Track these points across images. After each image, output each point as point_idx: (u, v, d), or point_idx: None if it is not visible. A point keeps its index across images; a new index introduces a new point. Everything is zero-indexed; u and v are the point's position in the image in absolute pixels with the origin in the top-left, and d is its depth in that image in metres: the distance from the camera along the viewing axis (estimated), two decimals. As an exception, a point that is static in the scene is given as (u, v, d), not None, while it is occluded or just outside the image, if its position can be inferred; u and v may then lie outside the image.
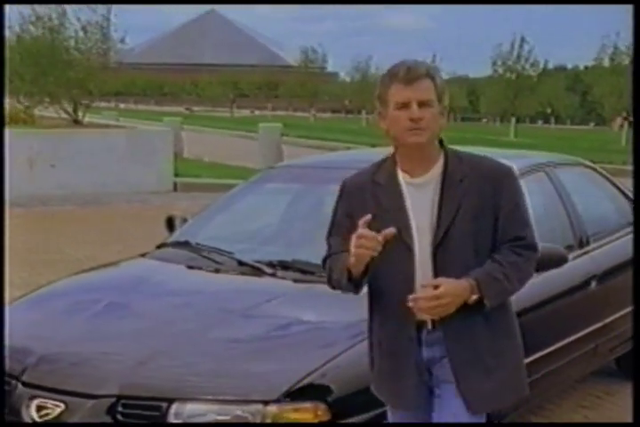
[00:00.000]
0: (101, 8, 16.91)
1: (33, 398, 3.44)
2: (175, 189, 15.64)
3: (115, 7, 17.53)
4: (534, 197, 4.80)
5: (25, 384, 3.49)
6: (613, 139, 34.38)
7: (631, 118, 40.14)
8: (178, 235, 4.91)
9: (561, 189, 4.94)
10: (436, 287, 2.77)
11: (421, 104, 2.82)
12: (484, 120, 69.56)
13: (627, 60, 36.74)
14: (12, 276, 8.58)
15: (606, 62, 38.46)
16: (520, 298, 4.10)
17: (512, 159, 5.13)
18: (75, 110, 16.85)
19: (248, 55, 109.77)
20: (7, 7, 15.08)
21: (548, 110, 64.48)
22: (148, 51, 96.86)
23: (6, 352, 3.71)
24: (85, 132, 15.83)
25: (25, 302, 4.32)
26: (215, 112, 65.78)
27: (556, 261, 4.13)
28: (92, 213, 13.31)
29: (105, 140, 15.31)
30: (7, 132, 13.15)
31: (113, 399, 3.34)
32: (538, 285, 4.25)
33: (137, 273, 4.57)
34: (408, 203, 2.90)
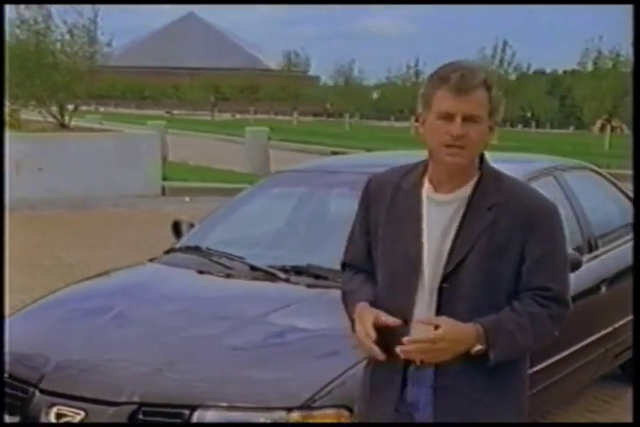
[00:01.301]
0: (88, 11, 16.83)
1: (52, 405, 3.40)
2: (163, 192, 15.59)
3: (101, 10, 17.46)
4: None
5: (43, 392, 3.45)
6: (595, 142, 34.55)
7: (614, 122, 40.52)
8: (186, 240, 4.88)
9: (569, 192, 4.95)
10: (436, 327, 2.42)
11: (467, 118, 2.45)
12: (465, 124, 69.55)
13: (609, 64, 37.01)
14: (5, 280, 8.54)
15: (590, 66, 38.66)
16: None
17: (520, 163, 5.18)
18: (61, 114, 16.74)
19: (228, 58, 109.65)
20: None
21: (528, 114, 64.75)
22: (128, 54, 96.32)
23: (21, 360, 3.68)
24: (72, 136, 15.75)
25: (35, 309, 4.27)
26: (196, 115, 65.62)
27: (571, 265, 4.11)
28: (81, 216, 13.25)
29: (92, 144, 15.24)
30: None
31: (134, 406, 3.31)
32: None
33: (147, 279, 4.53)
34: (424, 218, 2.57)
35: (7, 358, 3.69)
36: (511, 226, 2.47)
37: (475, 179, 2.55)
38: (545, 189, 4.70)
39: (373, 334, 2.50)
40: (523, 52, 76.29)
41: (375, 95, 68.54)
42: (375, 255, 2.68)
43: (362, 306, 2.59)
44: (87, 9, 16.86)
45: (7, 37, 17.60)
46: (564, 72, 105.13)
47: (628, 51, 32.06)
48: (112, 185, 14.73)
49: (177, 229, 5.11)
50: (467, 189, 2.54)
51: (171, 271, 4.54)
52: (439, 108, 2.48)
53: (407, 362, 2.54)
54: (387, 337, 2.52)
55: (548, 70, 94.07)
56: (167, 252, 4.85)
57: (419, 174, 2.63)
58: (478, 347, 2.44)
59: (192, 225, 5.10)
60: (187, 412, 3.26)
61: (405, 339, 2.45)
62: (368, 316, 2.53)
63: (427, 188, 2.59)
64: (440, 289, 2.50)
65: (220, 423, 3.26)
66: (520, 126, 66.24)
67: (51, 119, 16.90)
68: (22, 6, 16.67)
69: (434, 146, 2.51)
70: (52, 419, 3.38)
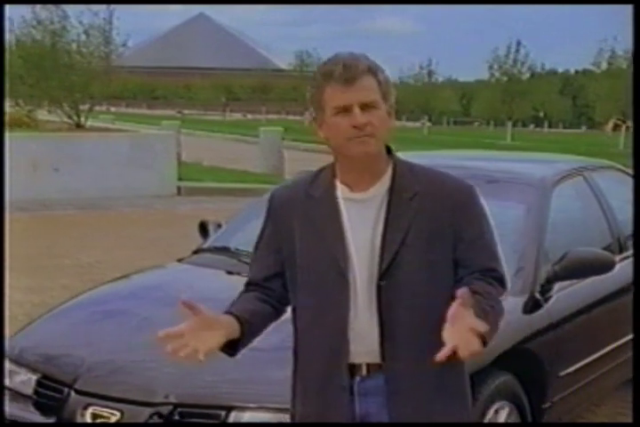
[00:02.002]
0: (103, 11, 16.87)
1: (88, 406, 3.39)
2: (179, 192, 15.60)
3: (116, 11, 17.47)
4: (573, 201, 4.81)
5: (78, 392, 3.45)
6: (610, 142, 34.45)
7: (628, 122, 40.41)
8: (214, 240, 4.86)
9: (598, 192, 4.92)
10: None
11: (365, 107, 2.34)
12: (476, 124, 69.68)
13: (624, 64, 36.92)
14: (26, 281, 8.55)
15: (604, 66, 38.62)
16: (563, 305, 4.13)
17: (549, 163, 5.15)
18: (77, 114, 16.77)
19: (238, 59, 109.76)
20: (9, 10, 15.06)
21: (541, 114, 64.66)
22: (138, 54, 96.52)
23: (54, 360, 3.68)
24: (88, 136, 15.78)
25: (64, 310, 4.26)
26: (207, 116, 65.71)
27: (604, 266, 4.10)
28: (97, 217, 13.25)
29: (108, 144, 15.27)
30: (9, 136, 13.08)
31: (170, 407, 3.30)
32: (582, 291, 4.25)
33: (176, 279, 4.51)
34: (345, 221, 2.42)
35: (39, 359, 3.70)
36: (437, 212, 2.39)
37: (389, 172, 2.45)
38: (575, 189, 4.74)
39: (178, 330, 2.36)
40: (534, 52, 76.16)
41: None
42: (291, 274, 2.50)
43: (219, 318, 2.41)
44: (103, 9, 16.89)
45: (22, 38, 17.69)
46: (576, 72, 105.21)
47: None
48: (127, 185, 14.74)
49: (203, 229, 5.10)
50: (384, 183, 2.44)
51: (199, 272, 4.53)
52: (333, 103, 2.36)
53: (352, 374, 2.41)
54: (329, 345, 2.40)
55: (560, 70, 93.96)
56: (195, 252, 4.84)
57: (328, 179, 2.48)
58: (486, 326, 2.17)
59: (219, 225, 5.09)
60: (223, 413, 3.26)
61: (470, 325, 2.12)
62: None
63: (341, 190, 2.46)
64: (379, 290, 2.37)
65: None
66: (532, 126, 66.15)
67: (66, 119, 16.93)
68: (38, 6, 16.69)
69: (340, 143, 2.38)
70: (88, 419, 3.38)
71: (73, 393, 3.46)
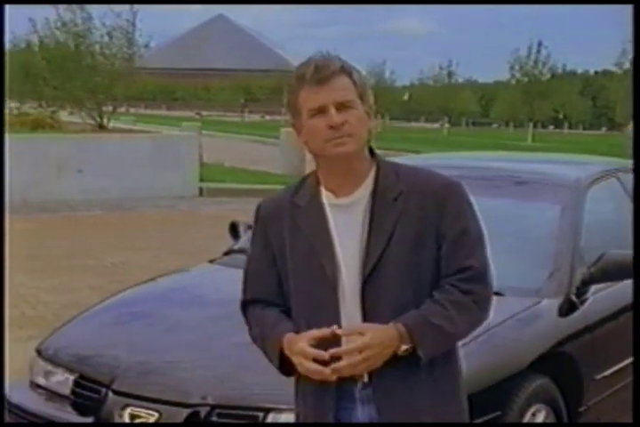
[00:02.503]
0: (126, 13, 16.94)
1: (126, 406, 3.40)
2: (201, 193, 15.63)
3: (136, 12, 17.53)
4: (607, 203, 4.78)
5: (116, 393, 3.46)
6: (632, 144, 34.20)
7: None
8: (245, 241, 4.86)
9: (631, 194, 4.89)
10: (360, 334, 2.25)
11: (340, 107, 2.29)
12: (495, 125, 69.54)
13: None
14: (51, 281, 8.59)
15: (627, 66, 38.50)
16: (599, 308, 4.10)
17: (583, 164, 5.13)
18: (100, 115, 16.85)
19: (257, 60, 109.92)
20: (32, 12, 15.17)
21: (560, 115, 64.47)
22: (157, 56, 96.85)
23: (90, 361, 3.69)
24: (111, 138, 15.84)
25: (99, 310, 4.26)
26: (225, 117, 65.84)
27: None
28: (121, 218, 13.29)
29: (131, 145, 15.32)
30: (33, 137, 13.16)
31: (208, 409, 3.30)
32: (618, 293, 4.22)
33: (210, 280, 4.52)
34: (332, 228, 2.37)
35: (76, 359, 3.71)
36: (422, 211, 2.33)
37: (372, 173, 2.39)
38: (609, 190, 4.72)
39: (311, 353, 2.28)
40: (555, 53, 75.92)
41: (405, 96, 68.45)
42: (287, 287, 2.45)
43: (288, 337, 2.36)
44: (125, 11, 16.96)
45: (46, 39, 17.76)
46: (596, 73, 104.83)
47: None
48: (150, 186, 14.78)
49: (234, 230, 5.11)
50: (367, 186, 2.38)
51: (231, 273, 4.52)
52: (308, 106, 2.31)
53: (354, 381, 2.35)
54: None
55: (580, 71, 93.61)
56: (226, 253, 4.84)
57: (312, 186, 2.43)
58: (404, 347, 2.27)
59: (250, 226, 5.09)
60: (261, 414, 3.26)
61: (331, 351, 2.26)
62: (297, 341, 2.32)
63: (326, 196, 2.40)
64: (363, 292, 2.32)
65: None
66: (551, 127, 65.94)
67: (89, 121, 17.00)
68: (62, 8, 16.77)
69: (318, 145, 2.32)
70: (126, 419, 3.39)
71: (111, 394, 3.47)
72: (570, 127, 65.63)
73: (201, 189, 15.76)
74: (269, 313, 2.45)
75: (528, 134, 38.02)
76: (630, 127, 49.49)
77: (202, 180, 16.00)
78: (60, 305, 7.65)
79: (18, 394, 3.84)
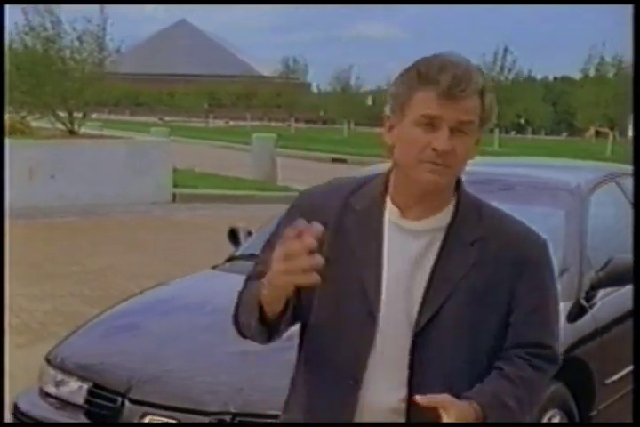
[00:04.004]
0: (97, 18, 16.81)
1: (144, 415, 3.37)
2: (174, 199, 15.56)
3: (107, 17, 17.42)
4: (608, 208, 4.82)
5: (133, 401, 3.42)
6: (595, 149, 34.65)
7: (605, 128, 40.70)
8: (248, 247, 4.84)
9: (631, 199, 4.94)
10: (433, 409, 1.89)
11: (456, 128, 1.94)
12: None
13: (611, 71, 37.21)
14: (32, 289, 8.48)
15: (592, 73, 38.94)
16: (608, 311, 4.13)
17: (582, 169, 5.17)
18: (70, 121, 16.71)
19: (221, 65, 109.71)
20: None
21: (522, 121, 64.94)
22: (121, 61, 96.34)
23: (104, 370, 3.65)
24: (84, 143, 15.70)
25: (108, 318, 4.22)
26: (190, 122, 65.59)
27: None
28: (95, 224, 13.19)
29: (104, 151, 15.20)
30: (6, 142, 13.00)
31: (228, 417, 3.28)
32: (626, 297, 4.26)
33: (215, 287, 4.49)
34: (385, 250, 2.02)
35: (89, 368, 3.67)
36: (498, 266, 2.00)
37: (451, 205, 2.04)
38: (610, 195, 4.76)
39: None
40: (521, 59, 76.65)
41: (369, 101, 68.55)
42: (307, 289, 1.96)
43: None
44: (96, 15, 16.85)
45: (14, 44, 17.58)
46: (555, 78, 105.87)
47: (630, 57, 32.28)
48: (124, 192, 14.68)
49: (234, 236, 5.07)
50: (443, 218, 2.03)
51: (235, 279, 4.50)
52: (421, 110, 1.94)
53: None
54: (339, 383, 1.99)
55: (539, 77, 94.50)
56: (229, 259, 4.81)
57: (377, 193, 2.07)
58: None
59: (250, 233, 5.07)
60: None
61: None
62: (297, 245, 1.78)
63: (390, 210, 2.04)
64: (413, 344, 1.97)
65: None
66: (513, 133, 66.39)
67: (59, 126, 16.86)
68: (31, 13, 16.62)
69: (407, 160, 1.98)
70: (146, 429, 3.35)
71: (127, 402, 3.43)
72: (533, 133, 66.26)
73: (174, 195, 15.69)
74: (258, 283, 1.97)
75: (494, 140, 38.24)
76: (591, 133, 50.07)
77: (174, 185, 15.93)
78: (45, 313, 7.57)
79: (27, 402, 3.79)
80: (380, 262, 2.00)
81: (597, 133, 48.79)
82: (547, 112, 75.24)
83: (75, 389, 3.62)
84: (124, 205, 14.39)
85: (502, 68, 47.09)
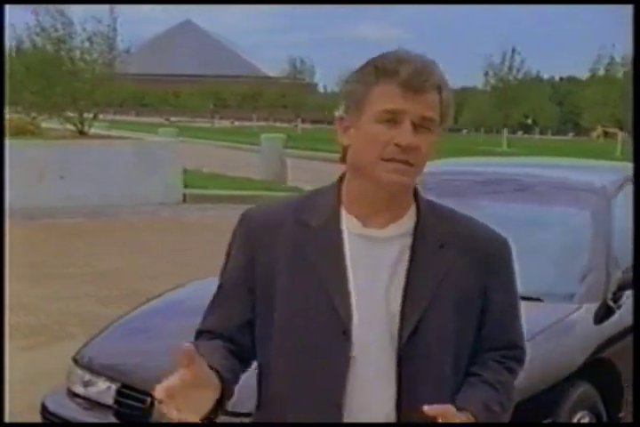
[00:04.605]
0: (107, 18, 16.84)
1: (175, 416, 3.35)
2: (184, 200, 15.56)
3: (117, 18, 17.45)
4: (631, 209, 4.80)
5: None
6: (604, 149, 34.59)
7: (610, 128, 40.68)
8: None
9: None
10: (434, 418, 1.77)
11: (420, 124, 1.81)
12: (464, 131, 69.89)
13: (621, 71, 37.17)
14: (47, 289, 8.49)
15: (601, 72, 38.95)
16: (632, 312, 4.12)
17: (603, 170, 5.15)
18: (81, 121, 16.73)
19: (225, 65, 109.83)
20: (11, 16, 15.00)
21: (529, 121, 64.95)
22: (127, 61, 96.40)
23: (132, 370, 3.64)
24: (93, 144, 15.72)
25: (134, 318, 4.20)
26: (195, 123, 65.68)
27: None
28: (104, 225, 13.20)
29: (113, 152, 15.21)
30: (14, 143, 13.02)
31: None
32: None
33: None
34: (349, 263, 1.87)
35: (117, 368, 3.66)
36: (470, 268, 1.90)
37: (412, 209, 1.93)
38: (631, 196, 4.74)
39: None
40: (529, 59, 76.66)
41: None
42: (264, 322, 1.92)
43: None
44: (106, 16, 16.88)
45: (22, 46, 17.62)
46: (561, 79, 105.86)
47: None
48: (133, 193, 14.69)
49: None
50: (408, 222, 1.91)
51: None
52: (383, 105, 1.81)
53: None
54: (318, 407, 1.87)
55: (546, 77, 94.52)
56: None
57: (330, 205, 1.92)
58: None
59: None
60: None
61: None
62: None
63: (349, 222, 1.90)
64: (399, 360, 1.85)
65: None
66: (519, 133, 66.39)
67: (69, 127, 16.89)
68: (42, 13, 16.65)
69: (368, 160, 1.82)
70: (176, 430, 3.34)
71: (157, 403, 3.42)
72: (540, 133, 66.27)
73: (184, 196, 15.69)
74: (213, 346, 1.93)
75: (502, 140, 38.27)
76: (597, 133, 50.04)
77: (185, 186, 15.94)
78: (60, 313, 7.57)
79: (55, 402, 3.78)
80: (346, 279, 1.86)
81: (605, 134, 48.78)
82: (553, 112, 75.20)
83: (103, 389, 3.61)
84: (133, 206, 14.39)
85: (511, 69, 47.16)
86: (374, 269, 1.86)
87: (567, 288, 4.00)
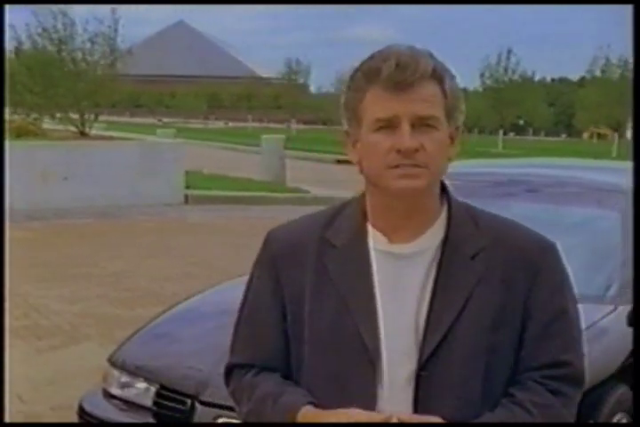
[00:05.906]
0: (108, 19, 16.83)
1: (218, 417, 3.36)
2: (186, 201, 15.56)
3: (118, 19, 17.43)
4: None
5: (204, 403, 3.41)
6: (598, 150, 34.71)
7: (601, 129, 40.77)
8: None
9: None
10: None
11: (419, 124, 1.69)
12: (458, 132, 69.81)
13: (617, 72, 37.28)
14: (59, 290, 8.46)
15: (598, 73, 39.08)
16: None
17: (623, 171, 5.17)
18: (82, 122, 16.72)
19: (219, 66, 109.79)
20: (12, 17, 14.99)
21: (521, 122, 65.08)
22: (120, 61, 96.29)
23: (172, 372, 3.64)
24: (96, 145, 15.72)
25: (168, 320, 4.20)
26: (189, 123, 65.62)
27: None
28: (111, 225, 13.18)
29: (116, 153, 15.21)
30: (17, 145, 12.99)
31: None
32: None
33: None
34: (377, 284, 1.78)
35: (156, 370, 3.66)
36: (507, 277, 1.76)
37: (442, 217, 1.81)
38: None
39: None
40: (524, 60, 77.02)
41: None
42: (295, 348, 1.84)
43: (308, 412, 1.76)
44: (107, 17, 16.87)
45: (21, 47, 17.59)
46: (552, 80, 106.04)
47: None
48: (136, 194, 14.69)
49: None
50: (436, 233, 1.79)
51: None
52: (374, 115, 1.71)
53: None
54: None
55: (537, 78, 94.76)
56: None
57: (355, 221, 1.83)
58: None
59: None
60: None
61: None
62: (330, 417, 1.72)
63: (374, 238, 1.80)
64: (417, 379, 1.74)
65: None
66: (511, 134, 66.48)
67: (71, 128, 16.87)
68: (44, 13, 16.63)
69: (376, 170, 1.73)
70: (221, 430, 3.35)
71: (198, 404, 3.42)
72: (533, 134, 66.47)
73: (186, 197, 15.69)
74: (267, 381, 1.84)
75: (498, 141, 38.35)
76: (590, 133, 50.09)
77: (187, 187, 15.95)
78: (74, 315, 7.56)
79: (91, 404, 3.78)
80: (374, 302, 1.77)
81: (599, 135, 48.93)
82: (547, 113, 75.40)
83: (141, 390, 3.61)
84: (137, 206, 14.39)
85: (506, 70, 47.30)
86: (402, 291, 1.77)
87: (600, 290, 4.01)
